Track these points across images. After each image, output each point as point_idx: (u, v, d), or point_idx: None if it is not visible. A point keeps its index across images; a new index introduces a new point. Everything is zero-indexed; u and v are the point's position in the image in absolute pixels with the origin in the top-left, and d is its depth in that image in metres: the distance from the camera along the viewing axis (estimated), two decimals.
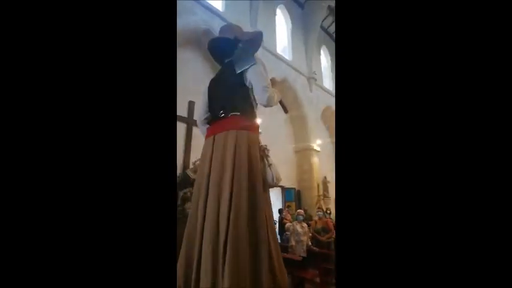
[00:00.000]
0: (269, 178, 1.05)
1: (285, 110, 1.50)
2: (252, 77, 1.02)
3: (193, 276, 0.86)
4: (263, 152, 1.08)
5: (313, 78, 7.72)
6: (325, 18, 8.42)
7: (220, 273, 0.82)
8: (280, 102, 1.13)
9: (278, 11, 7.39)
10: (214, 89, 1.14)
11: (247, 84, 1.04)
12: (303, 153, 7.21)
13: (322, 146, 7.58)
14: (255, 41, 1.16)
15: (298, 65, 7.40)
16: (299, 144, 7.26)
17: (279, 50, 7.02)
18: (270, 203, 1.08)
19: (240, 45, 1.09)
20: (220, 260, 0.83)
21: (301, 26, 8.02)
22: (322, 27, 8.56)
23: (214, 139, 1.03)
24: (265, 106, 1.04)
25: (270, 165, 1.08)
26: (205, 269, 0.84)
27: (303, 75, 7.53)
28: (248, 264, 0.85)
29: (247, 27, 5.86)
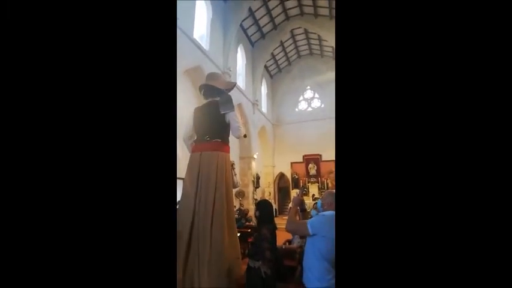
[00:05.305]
0: (234, 183, 1.69)
1: (245, 136, 1.86)
2: (231, 118, 1.60)
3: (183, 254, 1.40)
4: (231, 166, 1.67)
5: (227, 74, 7.92)
6: (245, 19, 8.80)
7: (208, 245, 1.37)
8: None
9: None
10: (200, 118, 1.67)
11: (227, 121, 1.60)
12: None
13: None
14: (231, 89, 1.80)
15: (215, 57, 7.38)
16: None
17: (196, 36, 6.79)
18: (233, 198, 1.71)
19: (224, 95, 1.66)
20: (208, 234, 1.39)
21: (221, 19, 8.02)
22: (241, 26, 8.90)
23: (201, 155, 1.56)
24: (237, 138, 1.66)
25: (235, 174, 1.74)
26: (203, 242, 1.40)
27: (219, 68, 7.59)
28: (225, 238, 1.42)
29: None
